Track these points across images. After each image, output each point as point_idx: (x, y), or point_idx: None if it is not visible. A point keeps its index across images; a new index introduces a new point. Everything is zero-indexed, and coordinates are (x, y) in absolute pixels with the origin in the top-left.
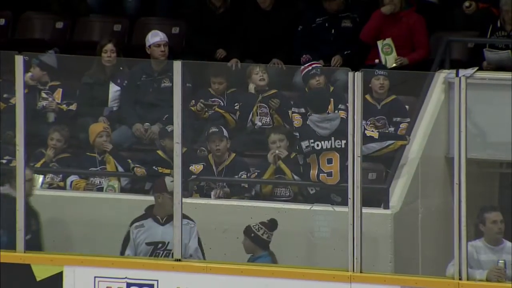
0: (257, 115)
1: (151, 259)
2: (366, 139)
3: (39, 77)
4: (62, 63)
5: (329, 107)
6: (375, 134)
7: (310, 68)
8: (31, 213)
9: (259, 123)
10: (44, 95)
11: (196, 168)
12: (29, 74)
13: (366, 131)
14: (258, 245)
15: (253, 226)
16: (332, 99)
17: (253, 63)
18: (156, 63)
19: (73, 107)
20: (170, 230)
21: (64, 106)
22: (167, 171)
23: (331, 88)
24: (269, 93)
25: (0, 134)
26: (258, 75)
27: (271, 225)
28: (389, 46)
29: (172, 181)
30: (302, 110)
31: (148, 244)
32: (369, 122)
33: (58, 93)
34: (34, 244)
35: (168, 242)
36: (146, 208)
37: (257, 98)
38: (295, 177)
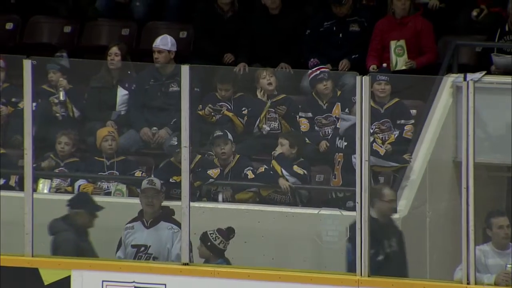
0: (266, 120)
1: (159, 263)
2: (372, 152)
3: (58, 81)
4: (70, 67)
5: (337, 111)
6: (382, 151)
7: (317, 72)
8: (390, 233)
9: (267, 128)
10: (55, 100)
11: (214, 172)
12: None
13: (374, 143)
14: (214, 253)
15: (210, 233)
16: (339, 103)
17: (260, 67)
18: (163, 67)
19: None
20: (153, 233)
21: (70, 106)
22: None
23: (339, 92)
24: (277, 98)
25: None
26: (266, 79)
27: (228, 233)
28: (401, 48)
29: (148, 181)
30: (310, 114)
31: (133, 246)
32: (374, 127)
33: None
34: (386, 267)
35: (150, 246)
36: (140, 210)
37: (266, 104)
38: (284, 172)
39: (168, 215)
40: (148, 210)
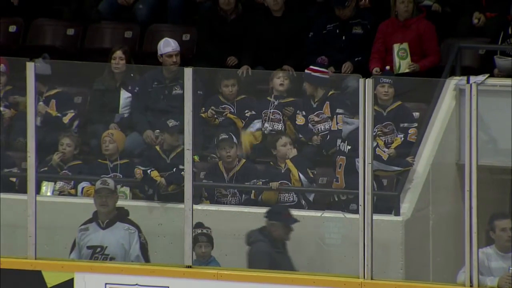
0: (269, 121)
1: (162, 265)
2: (375, 157)
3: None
4: (72, 70)
5: (326, 110)
6: (385, 156)
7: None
8: None
9: (269, 128)
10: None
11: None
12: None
13: (377, 148)
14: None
15: (207, 231)
16: (328, 102)
17: (264, 69)
18: (167, 70)
19: (65, 118)
20: (109, 234)
21: (54, 111)
22: (156, 174)
23: (330, 92)
24: (285, 100)
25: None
26: (280, 79)
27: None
28: (405, 51)
29: (101, 181)
30: (304, 113)
31: (88, 247)
32: (376, 130)
33: (53, 105)
34: None
35: (106, 246)
36: (94, 211)
37: (270, 104)
38: (301, 176)
39: (123, 216)
40: (102, 211)
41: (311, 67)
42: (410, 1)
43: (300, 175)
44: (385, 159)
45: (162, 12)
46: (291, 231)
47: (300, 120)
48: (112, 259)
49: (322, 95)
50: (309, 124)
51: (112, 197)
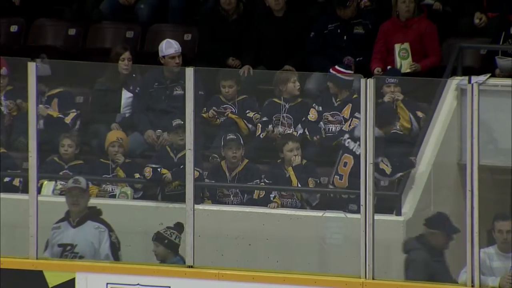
0: (280, 125)
1: (163, 265)
2: (378, 171)
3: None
4: (73, 70)
5: (346, 112)
6: (388, 170)
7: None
8: None
9: (280, 130)
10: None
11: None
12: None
13: (381, 162)
14: (172, 250)
15: (163, 232)
16: (350, 104)
17: (265, 69)
18: (168, 70)
19: (67, 119)
20: (80, 232)
21: (54, 112)
22: (166, 171)
23: (355, 96)
24: (296, 102)
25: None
26: (296, 84)
27: (179, 228)
28: (406, 51)
29: (73, 180)
30: (320, 108)
31: (59, 245)
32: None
33: (54, 104)
34: None
35: (76, 245)
36: (67, 210)
37: (281, 107)
38: (300, 187)
39: (95, 215)
40: (73, 209)
41: (336, 67)
42: (411, 1)
43: (299, 185)
44: (388, 173)
45: (163, 12)
46: (451, 240)
47: (312, 116)
48: (81, 257)
49: (346, 96)
50: (321, 122)
51: (84, 196)
